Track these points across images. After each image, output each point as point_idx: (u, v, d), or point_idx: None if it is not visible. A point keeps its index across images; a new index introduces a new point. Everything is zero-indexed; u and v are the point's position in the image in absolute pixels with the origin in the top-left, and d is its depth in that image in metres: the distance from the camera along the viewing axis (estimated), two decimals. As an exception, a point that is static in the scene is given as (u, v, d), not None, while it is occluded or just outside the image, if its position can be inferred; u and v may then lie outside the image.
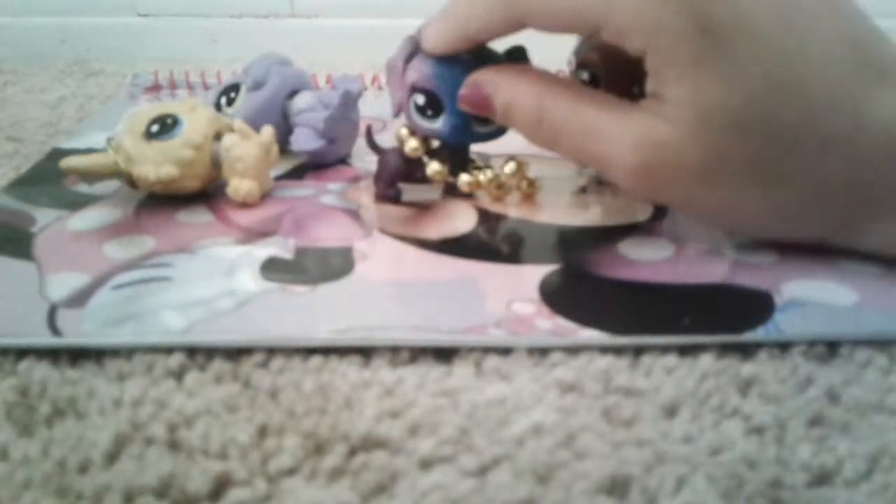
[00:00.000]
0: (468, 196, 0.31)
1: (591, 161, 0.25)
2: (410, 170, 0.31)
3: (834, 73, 0.22)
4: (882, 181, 0.23)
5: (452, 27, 0.27)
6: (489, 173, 0.30)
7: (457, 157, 0.30)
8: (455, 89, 0.27)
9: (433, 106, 0.28)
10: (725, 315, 0.23)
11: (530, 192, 0.31)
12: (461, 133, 0.29)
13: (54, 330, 0.22)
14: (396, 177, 0.31)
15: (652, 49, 0.22)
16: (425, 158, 0.30)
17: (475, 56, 0.27)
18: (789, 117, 0.22)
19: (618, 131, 0.24)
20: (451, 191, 0.31)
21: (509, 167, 0.30)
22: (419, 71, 0.28)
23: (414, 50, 0.28)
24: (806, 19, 0.22)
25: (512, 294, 0.24)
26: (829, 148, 0.22)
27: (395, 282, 0.25)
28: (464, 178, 0.30)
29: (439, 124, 0.29)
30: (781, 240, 0.26)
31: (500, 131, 0.29)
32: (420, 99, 0.28)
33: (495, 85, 0.26)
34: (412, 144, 0.30)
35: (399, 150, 0.30)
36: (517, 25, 0.25)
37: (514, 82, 0.26)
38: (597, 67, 0.31)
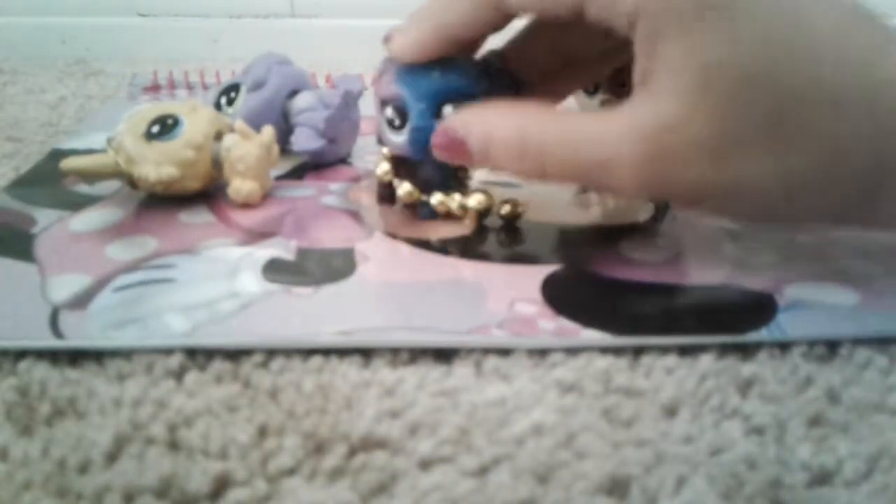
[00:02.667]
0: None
1: (589, 175, 0.23)
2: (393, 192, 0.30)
3: (843, 33, 0.21)
4: None
5: (425, 27, 0.25)
6: (456, 199, 0.29)
7: (441, 173, 0.29)
8: (422, 96, 0.26)
9: (401, 115, 0.27)
10: (728, 316, 0.23)
11: (511, 217, 0.29)
12: (424, 143, 0.26)
13: (57, 332, 0.22)
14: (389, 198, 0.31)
15: (642, 12, 0.21)
16: (395, 181, 0.29)
17: (447, 63, 0.26)
18: (798, 77, 0.21)
19: (612, 129, 0.22)
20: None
21: (474, 200, 0.28)
22: (386, 83, 0.27)
23: (386, 66, 0.27)
24: None
25: (514, 295, 0.24)
26: (844, 108, 0.21)
27: (397, 283, 0.25)
28: (436, 198, 0.29)
29: (402, 137, 0.27)
30: (794, 223, 0.24)
31: None
32: (389, 111, 0.27)
33: (466, 124, 0.24)
34: (383, 168, 0.30)
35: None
36: (495, 14, 0.24)
37: (487, 116, 0.24)
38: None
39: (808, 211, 0.23)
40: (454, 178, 0.29)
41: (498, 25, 0.25)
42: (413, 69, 0.26)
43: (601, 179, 0.23)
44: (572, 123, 0.23)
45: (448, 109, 0.26)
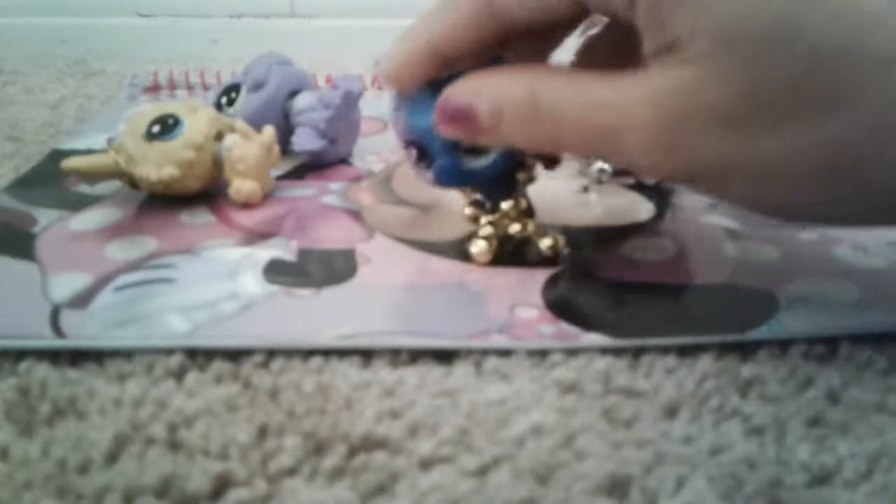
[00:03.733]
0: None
1: (602, 142, 0.21)
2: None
3: None
4: None
5: (412, 45, 0.23)
6: (486, 223, 0.27)
7: (497, 194, 0.26)
8: (432, 129, 0.24)
9: (423, 156, 0.25)
10: (728, 315, 0.23)
11: (550, 252, 0.27)
12: (451, 176, 0.25)
13: (58, 331, 0.22)
14: None
15: None
16: (513, 227, 0.27)
17: (443, 84, 0.24)
18: (836, 37, 0.18)
19: (628, 93, 0.20)
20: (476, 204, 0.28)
21: (545, 243, 0.26)
22: (400, 123, 0.25)
23: (396, 102, 0.26)
24: None
25: (515, 298, 0.24)
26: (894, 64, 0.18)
27: (397, 286, 0.25)
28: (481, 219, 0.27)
29: (431, 172, 0.25)
30: (840, 218, 0.22)
31: (496, 164, 0.25)
32: (413, 153, 0.25)
33: (474, 90, 0.23)
34: (466, 213, 0.27)
35: None
36: (487, 19, 0.22)
37: (496, 79, 0.23)
38: None
39: (860, 194, 0.20)
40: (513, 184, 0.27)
41: (492, 34, 0.23)
42: (421, 101, 0.24)
43: (616, 147, 0.21)
44: (587, 86, 0.21)
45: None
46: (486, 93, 0.22)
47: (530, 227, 0.27)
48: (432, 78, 0.24)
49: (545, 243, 0.26)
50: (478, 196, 0.27)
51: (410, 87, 0.24)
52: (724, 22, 0.18)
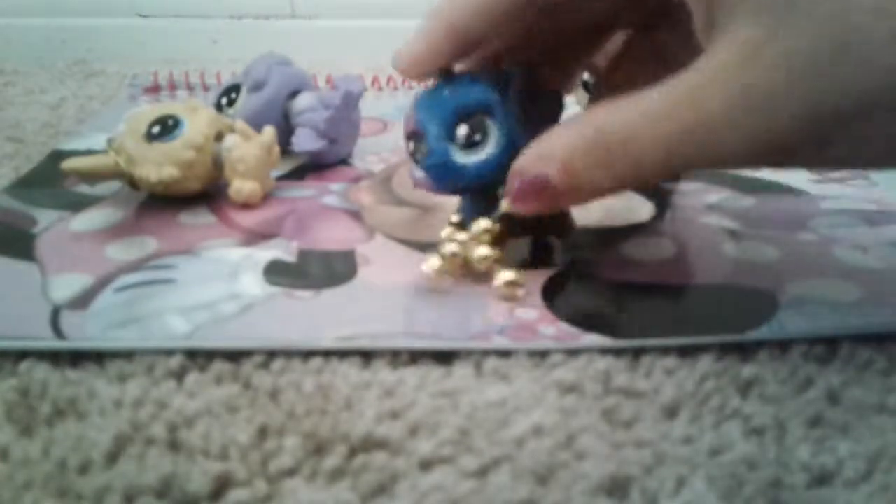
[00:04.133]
0: None
1: (686, 146, 0.19)
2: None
3: None
4: None
5: (434, 30, 0.23)
6: (452, 240, 0.25)
7: (479, 204, 0.25)
8: (437, 115, 0.24)
9: (418, 149, 0.25)
10: (728, 315, 0.23)
11: (505, 290, 0.24)
12: (441, 170, 0.24)
13: (58, 332, 0.22)
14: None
15: None
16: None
17: (460, 79, 0.24)
18: None
19: (693, 82, 0.19)
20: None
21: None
22: (405, 118, 0.25)
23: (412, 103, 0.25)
24: None
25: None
26: None
27: (397, 287, 0.25)
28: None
29: (421, 169, 0.24)
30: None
31: (489, 163, 0.24)
32: (410, 146, 0.25)
33: (538, 158, 0.21)
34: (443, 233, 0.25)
35: None
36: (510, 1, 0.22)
37: (556, 137, 0.21)
38: (596, 74, 0.31)
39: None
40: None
41: (516, 14, 0.23)
42: (428, 92, 0.25)
43: (703, 145, 0.19)
44: (646, 98, 0.20)
45: (462, 130, 0.24)
46: (551, 154, 0.21)
47: (494, 255, 0.24)
48: (447, 65, 0.24)
49: (503, 277, 0.24)
50: (457, 217, 0.25)
51: (427, 73, 0.24)
52: (790, 46, 0.17)
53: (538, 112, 0.25)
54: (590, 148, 0.20)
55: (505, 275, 0.24)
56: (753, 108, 0.18)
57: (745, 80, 0.18)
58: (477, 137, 0.24)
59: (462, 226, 0.25)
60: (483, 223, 0.24)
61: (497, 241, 0.24)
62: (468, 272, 0.25)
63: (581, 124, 0.21)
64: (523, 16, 0.23)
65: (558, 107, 0.26)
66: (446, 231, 0.25)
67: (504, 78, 0.25)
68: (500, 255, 0.24)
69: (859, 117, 0.18)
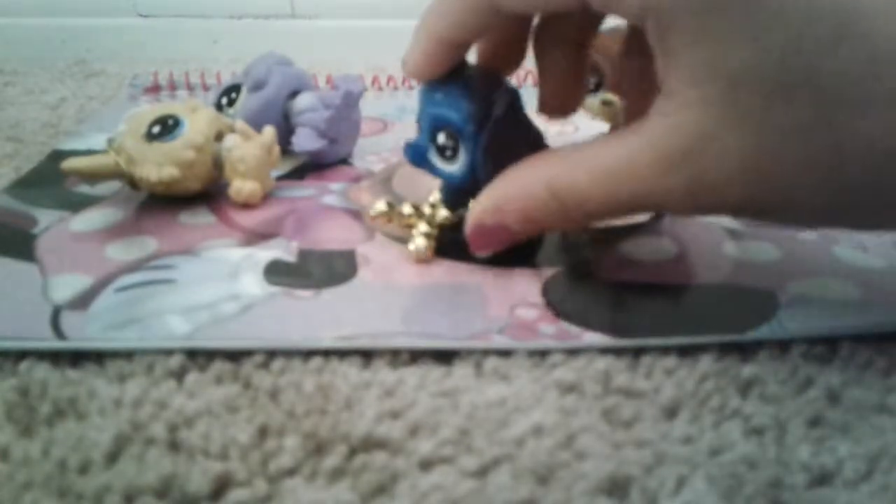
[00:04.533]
0: None
1: (630, 207, 0.21)
2: None
3: None
4: None
5: (424, 40, 0.24)
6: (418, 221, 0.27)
7: (455, 199, 0.27)
8: (426, 115, 0.25)
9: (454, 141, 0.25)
10: (729, 315, 0.23)
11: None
12: (420, 161, 0.26)
13: (58, 332, 0.22)
14: None
15: (650, 11, 0.19)
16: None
17: (457, 82, 0.25)
18: (851, 73, 0.18)
19: (639, 160, 0.20)
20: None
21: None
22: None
23: None
24: None
25: (515, 299, 0.24)
26: None
27: (397, 287, 0.25)
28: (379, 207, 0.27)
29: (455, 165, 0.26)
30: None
31: (456, 176, 0.25)
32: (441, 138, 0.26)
33: (496, 209, 0.23)
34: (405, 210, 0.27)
35: None
36: (490, 16, 0.22)
37: (513, 186, 0.23)
38: (600, 67, 0.31)
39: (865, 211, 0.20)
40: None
41: (493, 26, 0.23)
42: (429, 88, 0.25)
43: (645, 206, 0.22)
44: (598, 157, 0.21)
45: (440, 138, 0.25)
46: (508, 207, 0.23)
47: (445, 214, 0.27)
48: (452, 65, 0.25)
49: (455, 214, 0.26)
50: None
51: (432, 77, 0.25)
52: (732, 66, 0.18)
53: (515, 138, 0.25)
54: (544, 205, 0.22)
55: (418, 241, 0.26)
56: (693, 203, 0.20)
57: (682, 181, 0.20)
58: (448, 153, 0.25)
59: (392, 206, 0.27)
60: (434, 196, 0.27)
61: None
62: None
63: (537, 176, 0.22)
64: (506, 25, 0.24)
65: (537, 138, 0.26)
66: (407, 210, 0.27)
67: (495, 96, 0.25)
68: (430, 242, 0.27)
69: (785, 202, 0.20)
